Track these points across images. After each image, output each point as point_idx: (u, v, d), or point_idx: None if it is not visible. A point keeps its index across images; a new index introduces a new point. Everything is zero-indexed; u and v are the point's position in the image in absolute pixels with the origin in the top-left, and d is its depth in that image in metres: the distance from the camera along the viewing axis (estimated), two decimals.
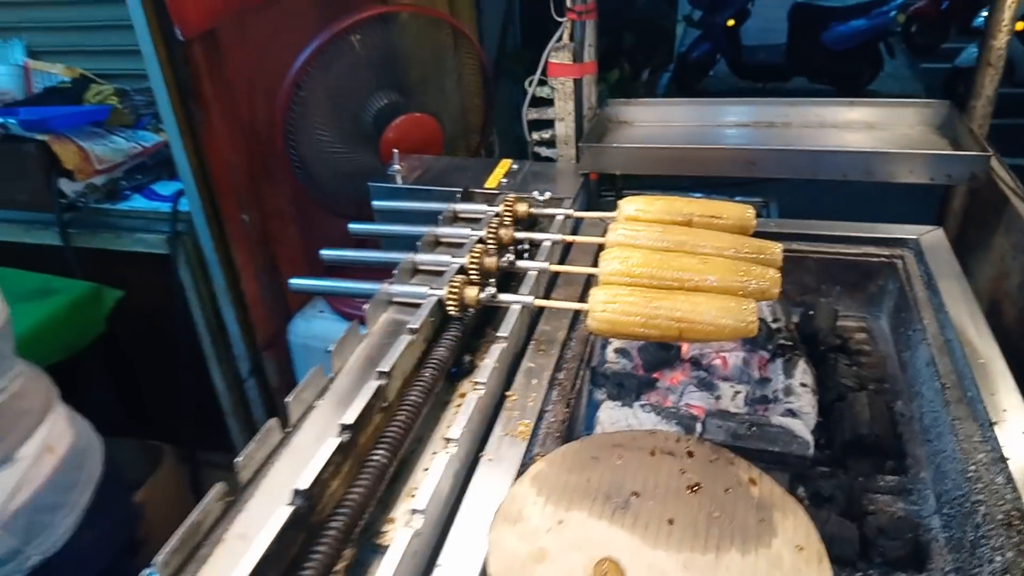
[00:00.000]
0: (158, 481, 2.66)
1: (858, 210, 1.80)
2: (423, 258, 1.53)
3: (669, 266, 1.32)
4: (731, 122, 2.12)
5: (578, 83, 1.95)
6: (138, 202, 2.67)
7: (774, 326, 1.53)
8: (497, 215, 1.68)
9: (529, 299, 1.33)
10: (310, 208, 2.63)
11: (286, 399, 1.14)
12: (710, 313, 1.20)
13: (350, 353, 1.31)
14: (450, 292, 1.34)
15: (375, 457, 1.07)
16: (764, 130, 2.07)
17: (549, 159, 2.10)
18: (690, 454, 0.92)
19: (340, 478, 1.06)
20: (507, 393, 1.23)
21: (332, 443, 1.03)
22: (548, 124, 2.06)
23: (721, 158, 1.79)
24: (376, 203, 1.78)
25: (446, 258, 1.50)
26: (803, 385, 1.36)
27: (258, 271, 2.69)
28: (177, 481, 2.84)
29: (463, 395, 1.31)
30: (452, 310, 1.35)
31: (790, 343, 1.48)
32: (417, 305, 1.37)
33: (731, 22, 7.10)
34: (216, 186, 2.43)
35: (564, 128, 2.02)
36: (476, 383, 1.17)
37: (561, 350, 1.35)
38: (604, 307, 1.23)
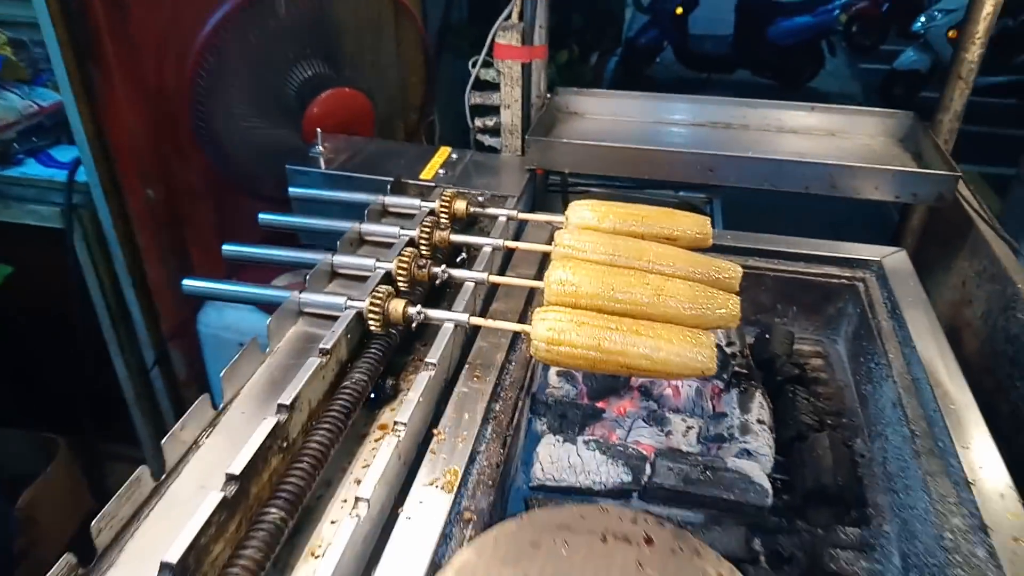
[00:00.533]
0: (50, 477, 2.40)
1: (803, 211, 1.70)
2: (343, 260, 1.33)
3: (621, 287, 1.18)
4: (687, 121, 1.99)
5: (527, 68, 1.77)
6: (32, 168, 2.36)
7: (728, 351, 1.40)
8: (432, 213, 1.50)
9: (463, 317, 1.16)
10: (228, 187, 2.37)
11: (162, 441, 0.94)
12: (666, 350, 1.06)
13: (247, 376, 1.11)
14: (373, 305, 1.15)
15: (269, 515, 0.89)
16: (721, 132, 1.95)
17: (493, 149, 1.92)
18: (648, 540, 0.77)
19: (225, 539, 0.87)
20: (435, 431, 1.06)
21: (214, 498, 0.84)
22: (493, 111, 1.88)
23: (677, 162, 1.65)
24: (293, 190, 1.57)
25: (370, 261, 1.30)
26: (760, 422, 1.24)
27: (164, 254, 2.42)
28: (73, 476, 2.56)
29: (384, 428, 1.13)
30: (374, 327, 1.17)
31: (745, 371, 1.36)
32: (333, 318, 1.18)
33: (680, 10, 7.04)
34: (116, 156, 2.14)
35: (510, 116, 1.84)
36: (396, 425, 0.99)
37: (499, 375, 1.19)
38: (548, 338, 1.08)
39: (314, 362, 1.07)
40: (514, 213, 1.49)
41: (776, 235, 1.59)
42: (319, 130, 1.74)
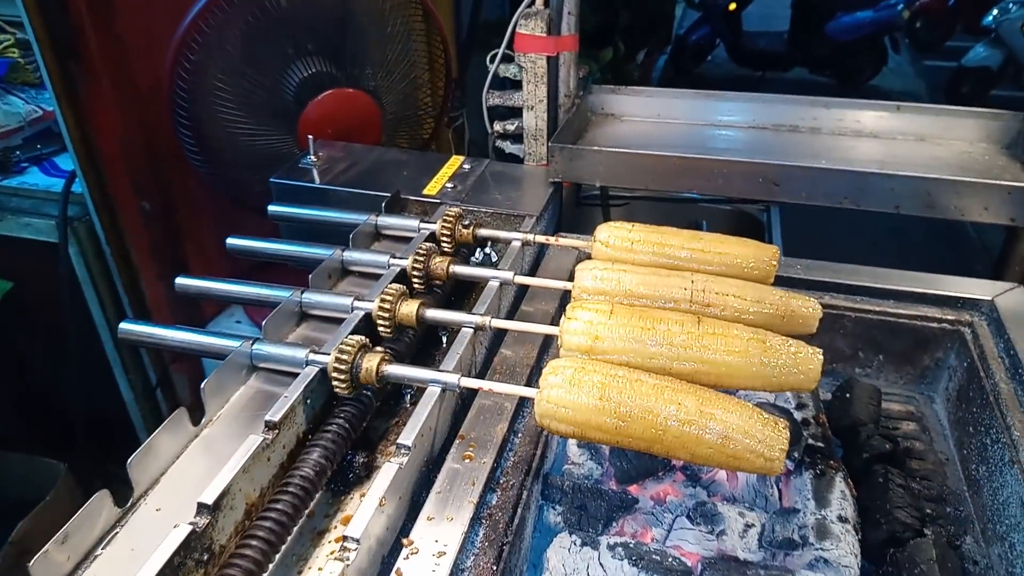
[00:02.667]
0: (49, 505, 2.23)
1: (866, 218, 1.40)
2: (314, 299, 1.08)
3: (660, 338, 0.90)
4: (744, 123, 1.68)
5: (553, 62, 1.49)
6: (34, 177, 2.23)
7: (799, 415, 1.11)
8: (432, 236, 1.24)
9: (453, 379, 0.90)
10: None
11: (31, 563, 0.70)
12: (718, 434, 0.78)
13: (168, 461, 0.86)
14: (339, 362, 0.90)
15: None
16: (787, 136, 1.64)
17: (515, 158, 1.65)
18: None
19: None
20: (404, 540, 0.80)
21: None
22: (515, 113, 1.61)
23: (734, 174, 1.35)
24: (273, 208, 1.33)
25: (347, 301, 1.05)
26: (842, 520, 0.94)
27: (163, 270, 2.22)
28: (75, 503, 2.39)
29: (347, 521, 0.87)
30: (340, 388, 0.91)
31: (822, 444, 1.06)
32: (293, 375, 0.93)
33: (733, 6, 6.66)
34: (105, 165, 1.95)
35: (533, 119, 1.57)
36: (345, 544, 0.73)
37: (498, 453, 0.92)
38: (552, 412, 0.81)
39: (254, 441, 0.82)
40: (530, 237, 1.22)
41: (857, 266, 1.29)
42: (310, 137, 1.50)
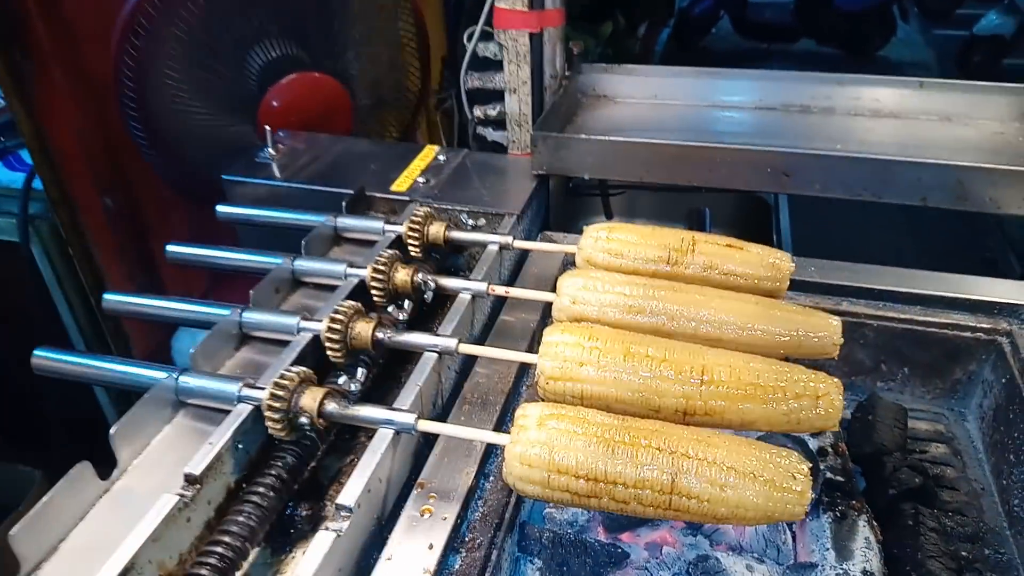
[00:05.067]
0: (23, 514, 2.13)
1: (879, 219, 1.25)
2: (255, 319, 0.94)
3: (656, 371, 0.76)
4: (750, 103, 1.52)
5: (536, 39, 1.34)
6: None
7: (814, 444, 0.97)
8: (397, 241, 1.10)
9: (408, 419, 0.76)
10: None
11: None
12: (723, 490, 0.65)
13: (65, 528, 0.73)
14: (275, 398, 0.77)
15: None
16: (798, 118, 1.48)
17: (498, 146, 1.50)
18: None
19: None
20: None
21: None
22: (496, 96, 1.46)
23: (741, 163, 1.20)
24: (220, 209, 1.18)
25: (291, 321, 0.91)
26: None
27: (132, 270, 2.08)
28: None
29: None
30: (276, 431, 0.78)
31: (841, 478, 0.93)
32: (223, 412, 0.80)
33: None
34: (63, 161, 1.81)
35: (516, 103, 1.42)
36: None
37: (464, 505, 0.78)
38: (528, 462, 0.68)
39: (167, 502, 0.69)
40: (508, 240, 1.08)
41: (879, 266, 1.14)
42: (267, 128, 1.36)
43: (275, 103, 1.50)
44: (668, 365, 0.77)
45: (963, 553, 0.92)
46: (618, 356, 0.78)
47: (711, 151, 1.21)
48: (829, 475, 0.93)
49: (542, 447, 0.68)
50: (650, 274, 0.96)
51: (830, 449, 0.97)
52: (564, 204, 1.57)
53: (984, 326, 1.07)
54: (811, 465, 0.69)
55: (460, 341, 0.87)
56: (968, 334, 1.08)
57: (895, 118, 1.45)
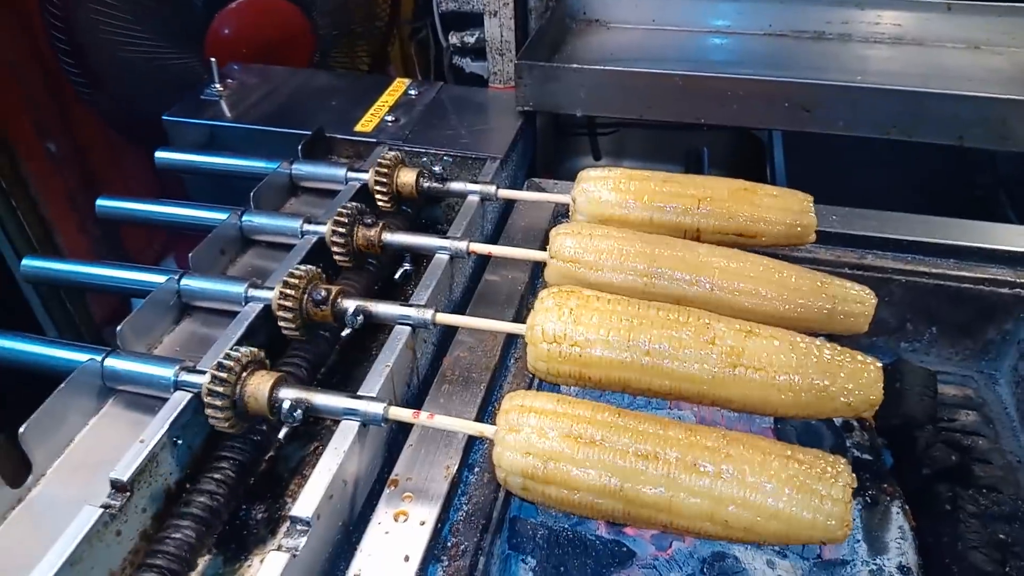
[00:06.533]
0: None
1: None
2: (198, 287, 0.80)
3: (665, 351, 0.64)
4: (760, 30, 1.37)
5: None
6: None
7: (837, 419, 0.87)
8: (363, 190, 0.95)
9: (376, 409, 0.64)
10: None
11: None
12: (748, 502, 0.54)
13: None
14: (216, 381, 0.64)
15: None
16: (812, 46, 1.33)
17: (478, 79, 1.34)
18: None
19: None
20: None
21: None
22: (475, 21, 1.29)
23: (752, 96, 1.06)
24: (159, 155, 1.03)
25: (238, 288, 0.78)
26: (903, 571, 0.71)
27: (84, 222, 1.91)
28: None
29: None
30: (220, 425, 0.65)
31: (870, 456, 0.83)
32: (160, 400, 0.67)
33: None
34: None
35: (497, 28, 1.25)
36: None
37: (444, 506, 0.67)
38: (525, 471, 0.56)
39: (90, 515, 0.57)
40: (491, 189, 0.94)
41: (906, 214, 1.02)
42: (213, 61, 1.18)
43: (224, 31, 1.32)
44: (680, 344, 0.65)
45: (1000, 536, 0.84)
46: (622, 331, 0.66)
47: (722, 82, 1.06)
48: (856, 453, 0.83)
49: (531, 448, 0.57)
50: (658, 227, 0.83)
51: (855, 423, 0.87)
52: (550, 146, 1.42)
53: (1016, 280, 0.96)
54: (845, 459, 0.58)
55: (437, 311, 0.74)
56: (1006, 290, 0.97)
57: (919, 46, 1.30)
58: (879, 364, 0.65)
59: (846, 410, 0.65)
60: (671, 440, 0.58)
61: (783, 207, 0.84)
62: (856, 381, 0.64)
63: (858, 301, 0.74)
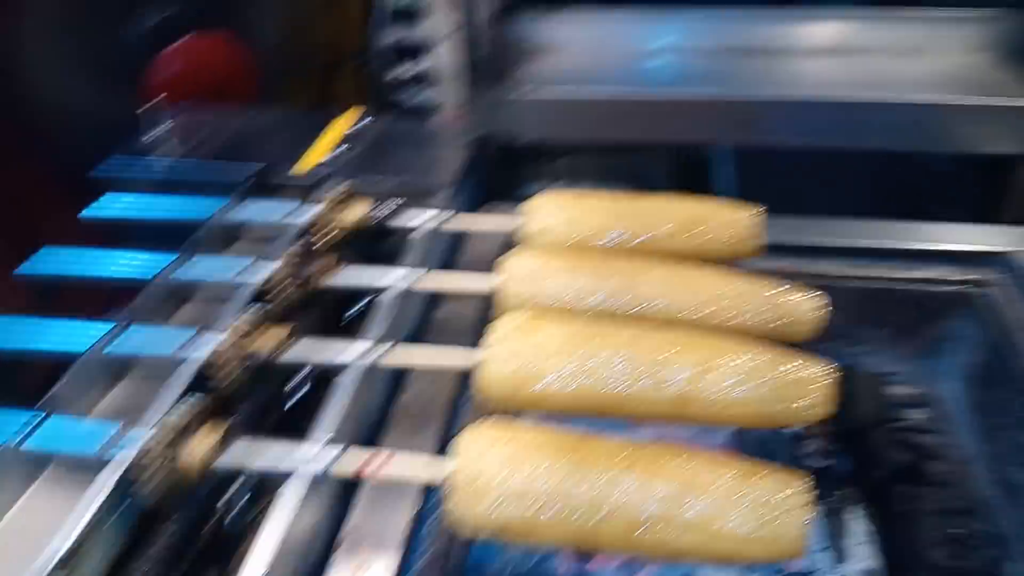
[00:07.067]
0: None
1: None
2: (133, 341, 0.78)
3: (617, 368, 0.65)
4: (703, 46, 1.39)
5: None
6: None
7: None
8: (312, 229, 0.94)
9: (322, 463, 0.63)
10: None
11: None
12: (705, 520, 0.54)
13: None
14: (145, 455, 0.62)
15: None
16: (757, 61, 1.35)
17: (420, 111, 1.34)
18: None
19: None
20: None
21: None
22: (415, 52, 1.29)
23: (695, 114, 1.08)
24: (84, 216, 1.00)
25: (185, 332, 0.76)
26: None
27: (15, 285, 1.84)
28: None
29: None
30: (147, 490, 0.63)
31: (827, 462, 0.84)
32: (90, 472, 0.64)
33: None
34: None
35: (442, 58, 1.25)
36: None
37: (403, 560, 0.66)
38: (480, 515, 0.56)
39: None
40: (440, 220, 0.93)
41: (853, 221, 1.04)
42: (153, 103, 1.16)
43: (159, 73, 1.30)
44: (633, 359, 0.65)
45: (959, 530, 0.85)
46: (574, 356, 0.66)
47: (658, 104, 1.08)
48: (812, 463, 0.84)
49: (483, 482, 0.56)
50: (607, 249, 0.84)
51: (810, 431, 0.88)
52: (501, 173, 1.42)
53: (967, 278, 0.99)
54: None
55: (386, 350, 0.73)
56: (949, 288, 0.99)
57: (864, 53, 1.33)
58: (831, 369, 0.66)
59: (802, 418, 0.66)
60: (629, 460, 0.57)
61: (730, 220, 0.85)
62: (809, 388, 0.64)
63: (809, 308, 0.75)
